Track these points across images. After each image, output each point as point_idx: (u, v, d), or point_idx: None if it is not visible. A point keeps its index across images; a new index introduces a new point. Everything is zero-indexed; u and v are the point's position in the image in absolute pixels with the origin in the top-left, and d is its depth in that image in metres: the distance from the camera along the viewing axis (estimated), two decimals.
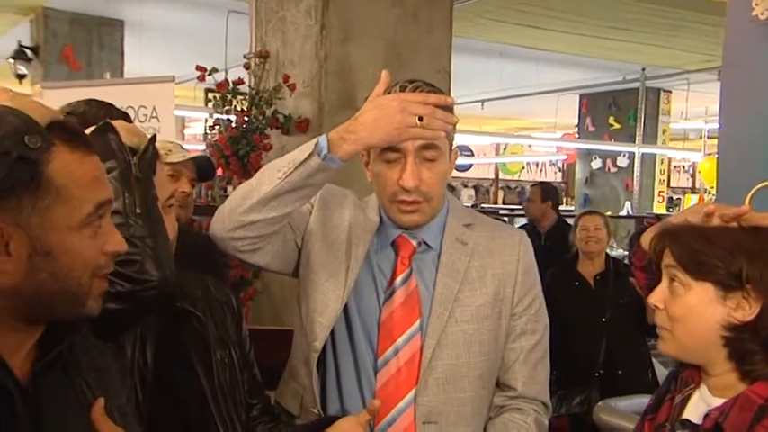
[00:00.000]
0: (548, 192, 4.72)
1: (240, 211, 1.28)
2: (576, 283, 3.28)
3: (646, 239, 1.26)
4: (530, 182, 14.52)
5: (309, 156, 1.23)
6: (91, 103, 1.49)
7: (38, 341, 0.88)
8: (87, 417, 0.85)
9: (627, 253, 1.41)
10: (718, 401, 1.08)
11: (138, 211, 1.02)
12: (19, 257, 0.80)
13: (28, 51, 6.42)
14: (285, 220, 1.31)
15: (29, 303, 0.83)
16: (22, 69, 6.46)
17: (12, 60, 6.44)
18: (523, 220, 6.28)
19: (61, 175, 0.81)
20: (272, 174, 1.26)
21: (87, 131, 1.04)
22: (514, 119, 12.24)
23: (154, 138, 1.11)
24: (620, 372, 3.10)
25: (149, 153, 1.08)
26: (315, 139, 1.25)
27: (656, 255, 1.17)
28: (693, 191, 13.48)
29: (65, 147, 0.82)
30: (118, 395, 0.95)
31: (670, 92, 9.18)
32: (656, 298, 1.13)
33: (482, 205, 11.14)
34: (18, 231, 0.80)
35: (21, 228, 0.80)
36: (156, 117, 3.21)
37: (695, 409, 1.12)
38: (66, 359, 0.90)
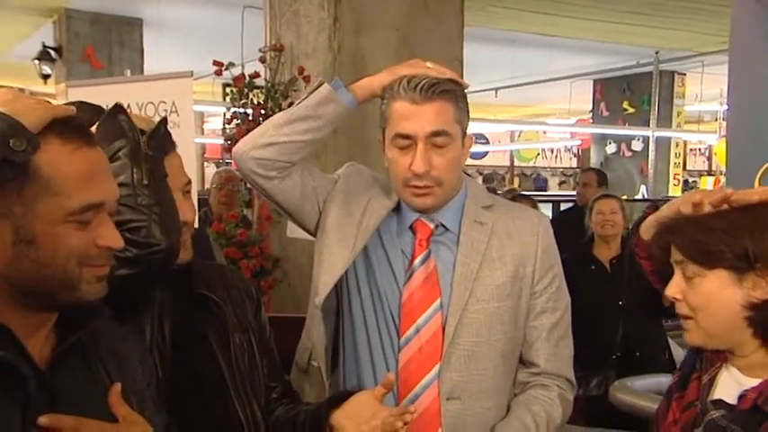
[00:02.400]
0: (603, 177, 4.69)
1: (259, 133, 1.38)
2: (592, 267, 3.26)
3: (646, 230, 1.26)
4: (545, 168, 14.47)
5: (321, 84, 1.35)
6: (83, 106, 1.54)
7: (59, 326, 0.90)
8: (105, 401, 0.87)
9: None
10: (753, 381, 1.07)
11: (145, 182, 1.06)
12: (3, 244, 0.81)
13: (52, 52, 6.51)
14: (296, 155, 1.37)
15: (19, 288, 0.84)
16: (47, 69, 6.55)
17: (36, 61, 6.53)
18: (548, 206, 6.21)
19: (49, 168, 0.82)
20: (289, 108, 1.39)
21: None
22: (528, 106, 12.14)
23: (164, 120, 1.14)
24: (637, 354, 3.08)
25: (159, 133, 1.12)
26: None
27: (662, 251, 1.17)
28: (710, 173, 13.29)
29: (56, 140, 0.83)
30: (137, 380, 0.97)
31: (684, 75, 9.04)
32: (674, 291, 1.13)
33: (497, 191, 11.11)
34: (2, 219, 0.81)
35: (4, 215, 0.81)
36: (176, 112, 3.22)
37: (726, 389, 1.11)
38: (86, 344, 0.92)
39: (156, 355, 1.15)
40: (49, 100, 1.06)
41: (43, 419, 0.80)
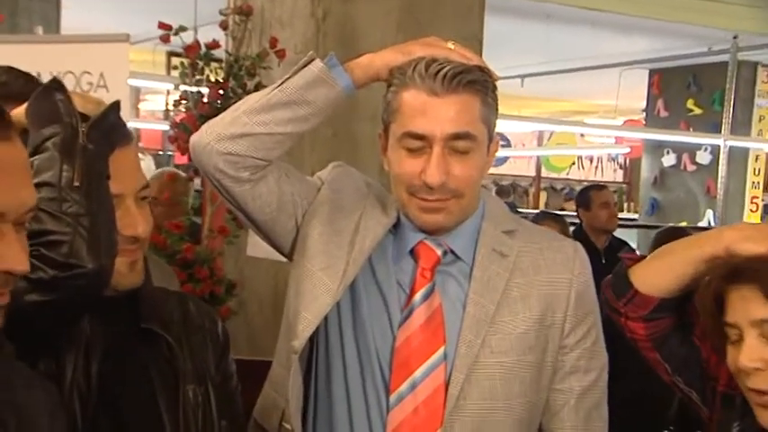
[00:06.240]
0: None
1: (227, 120, 1.38)
2: None
3: (649, 282, 1.32)
4: (580, 181, 14.47)
5: (311, 61, 1.35)
6: (13, 71, 1.54)
7: None
8: None
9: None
10: None
11: (76, 183, 1.07)
12: None
13: None
14: (275, 150, 1.38)
15: None
16: None
17: None
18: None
19: None
20: (268, 88, 1.39)
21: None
22: (563, 100, 12.21)
23: (115, 105, 1.16)
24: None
25: (107, 121, 1.13)
26: None
27: (711, 308, 1.22)
28: None
29: None
30: None
31: None
32: (752, 358, 1.17)
33: (519, 209, 11.15)
34: None
35: None
36: (105, 86, 3.22)
37: None
38: None
39: (77, 404, 1.16)
40: None
41: None
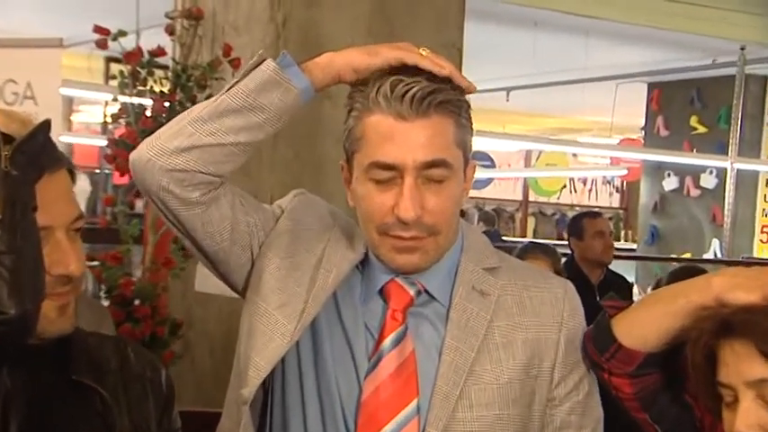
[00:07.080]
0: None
1: (171, 132, 1.37)
2: None
3: (635, 335, 1.34)
4: (572, 206, 14.59)
5: (263, 61, 1.35)
6: None
7: None
8: None
9: None
10: None
11: None
12: None
13: None
14: (226, 164, 1.38)
15: None
16: None
17: None
18: None
19: None
20: (217, 95, 1.39)
21: None
22: (553, 116, 12.34)
23: (45, 125, 1.15)
24: None
25: (34, 144, 1.12)
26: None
27: (704, 365, 1.23)
28: None
29: None
30: None
31: None
32: (749, 423, 1.18)
33: (504, 237, 11.19)
34: None
35: None
36: (32, 97, 3.22)
37: None
38: None
39: None
40: None
41: None
